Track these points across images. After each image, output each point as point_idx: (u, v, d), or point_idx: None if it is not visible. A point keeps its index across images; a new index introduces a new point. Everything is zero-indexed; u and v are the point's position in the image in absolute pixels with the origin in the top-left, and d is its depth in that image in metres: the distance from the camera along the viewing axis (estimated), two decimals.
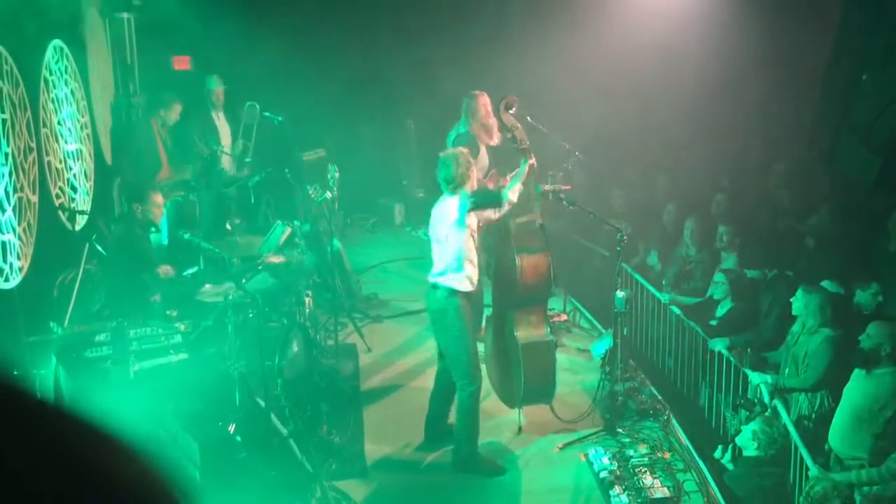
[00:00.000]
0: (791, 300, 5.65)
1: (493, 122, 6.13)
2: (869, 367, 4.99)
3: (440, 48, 9.13)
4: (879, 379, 4.95)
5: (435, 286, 4.89)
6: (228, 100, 8.35)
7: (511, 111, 5.67)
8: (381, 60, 9.32)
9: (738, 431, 5.52)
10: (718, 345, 6.20)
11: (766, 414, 5.45)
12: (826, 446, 5.12)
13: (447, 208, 4.85)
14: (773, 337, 6.21)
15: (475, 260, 4.93)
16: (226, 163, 8.29)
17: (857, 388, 5.04)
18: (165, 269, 6.10)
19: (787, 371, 5.69)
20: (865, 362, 5.00)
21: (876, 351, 4.98)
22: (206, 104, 8.17)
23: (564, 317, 7.26)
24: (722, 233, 7.11)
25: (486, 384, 5.90)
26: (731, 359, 6.08)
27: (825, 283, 6.02)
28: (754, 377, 5.78)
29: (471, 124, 6.22)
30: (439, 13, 9.21)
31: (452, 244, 4.79)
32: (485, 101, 6.17)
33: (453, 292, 4.85)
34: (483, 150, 6.23)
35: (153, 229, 6.04)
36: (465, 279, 4.87)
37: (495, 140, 6.23)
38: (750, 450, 5.16)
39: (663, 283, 7.29)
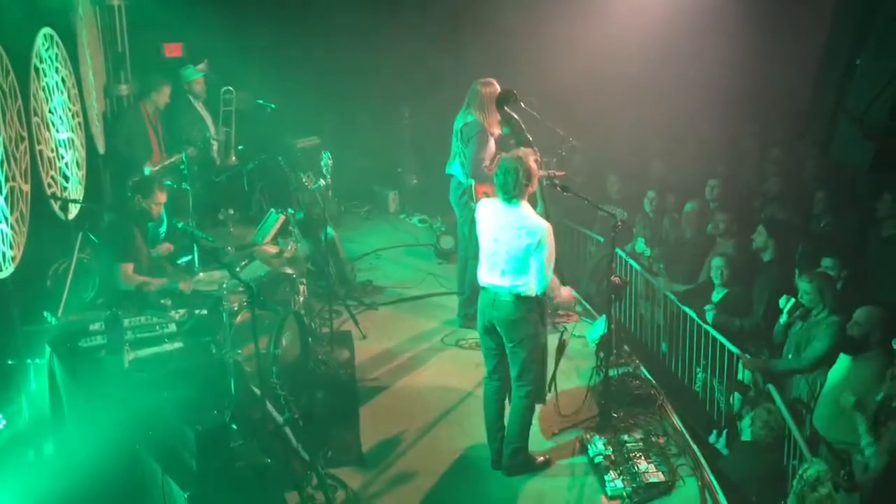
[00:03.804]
0: (793, 286, 5.69)
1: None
2: (858, 353, 5.02)
3: (435, 35, 9.08)
4: (865, 363, 4.98)
5: (512, 293, 4.68)
6: (210, 88, 8.30)
7: (507, 106, 5.65)
8: (376, 47, 9.27)
9: (736, 416, 5.56)
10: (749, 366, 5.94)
11: (751, 394, 5.48)
12: (811, 429, 5.17)
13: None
14: (766, 323, 6.23)
15: None
16: (215, 151, 8.27)
17: (842, 372, 5.07)
18: (167, 246, 6.10)
19: (789, 357, 5.71)
20: (855, 348, 5.02)
21: (866, 338, 5.01)
22: (187, 95, 8.11)
23: (576, 317, 7.02)
24: (719, 220, 7.15)
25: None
26: (725, 343, 6.11)
27: (825, 262, 6.03)
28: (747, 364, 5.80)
29: (482, 113, 6.17)
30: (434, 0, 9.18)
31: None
32: (496, 88, 6.13)
33: (530, 298, 4.71)
34: (492, 139, 6.22)
35: (148, 221, 6.02)
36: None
37: (498, 131, 6.21)
38: (746, 433, 5.20)
39: (660, 266, 7.32)
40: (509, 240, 4.61)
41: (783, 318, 5.79)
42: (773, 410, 5.21)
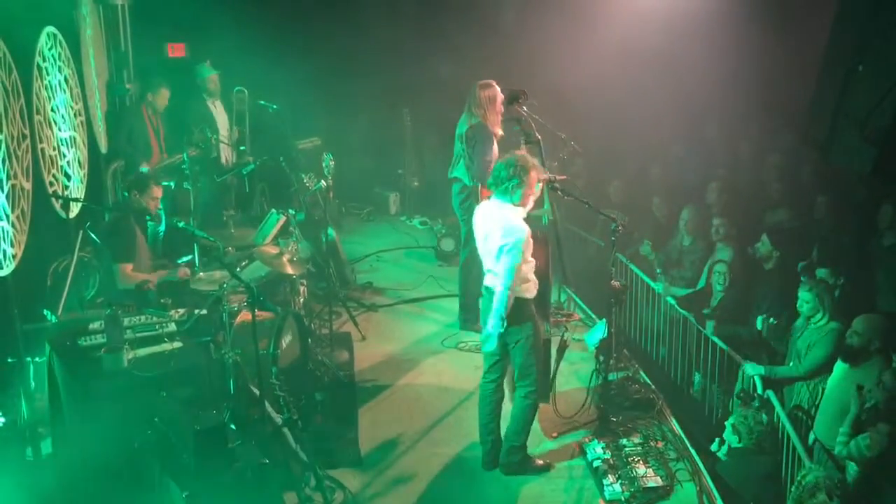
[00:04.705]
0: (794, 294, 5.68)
1: (501, 112, 6.13)
2: (858, 362, 5.01)
3: (436, 37, 9.09)
4: (864, 371, 4.97)
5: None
6: (223, 87, 8.32)
7: (516, 104, 5.66)
8: (377, 49, 9.29)
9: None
10: (751, 370, 5.81)
11: (755, 403, 5.47)
12: (811, 436, 5.15)
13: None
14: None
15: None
16: (225, 152, 8.27)
17: (841, 379, 5.06)
18: (185, 272, 6.07)
19: (790, 364, 5.71)
20: (854, 358, 5.02)
21: (865, 347, 5.00)
22: (201, 93, 8.13)
23: (577, 316, 7.13)
24: (717, 225, 7.15)
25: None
26: (725, 348, 6.10)
27: (820, 273, 6.04)
28: (748, 368, 5.79)
29: (483, 115, 6.17)
30: (435, 2, 9.18)
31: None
32: (495, 90, 6.13)
33: (527, 300, 4.74)
34: (495, 141, 6.23)
35: (148, 219, 6.03)
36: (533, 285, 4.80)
37: (500, 132, 6.22)
38: (734, 442, 5.19)
39: (658, 271, 7.31)
40: (493, 240, 4.66)
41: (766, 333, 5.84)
42: (748, 415, 5.20)
